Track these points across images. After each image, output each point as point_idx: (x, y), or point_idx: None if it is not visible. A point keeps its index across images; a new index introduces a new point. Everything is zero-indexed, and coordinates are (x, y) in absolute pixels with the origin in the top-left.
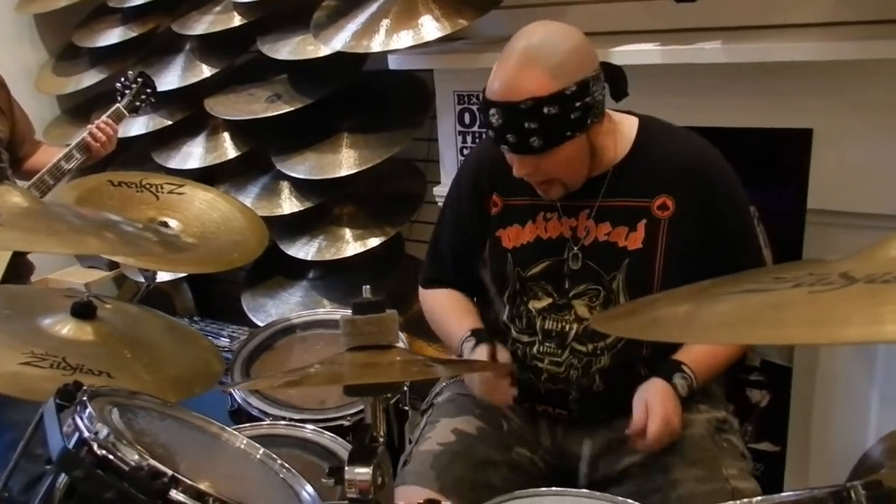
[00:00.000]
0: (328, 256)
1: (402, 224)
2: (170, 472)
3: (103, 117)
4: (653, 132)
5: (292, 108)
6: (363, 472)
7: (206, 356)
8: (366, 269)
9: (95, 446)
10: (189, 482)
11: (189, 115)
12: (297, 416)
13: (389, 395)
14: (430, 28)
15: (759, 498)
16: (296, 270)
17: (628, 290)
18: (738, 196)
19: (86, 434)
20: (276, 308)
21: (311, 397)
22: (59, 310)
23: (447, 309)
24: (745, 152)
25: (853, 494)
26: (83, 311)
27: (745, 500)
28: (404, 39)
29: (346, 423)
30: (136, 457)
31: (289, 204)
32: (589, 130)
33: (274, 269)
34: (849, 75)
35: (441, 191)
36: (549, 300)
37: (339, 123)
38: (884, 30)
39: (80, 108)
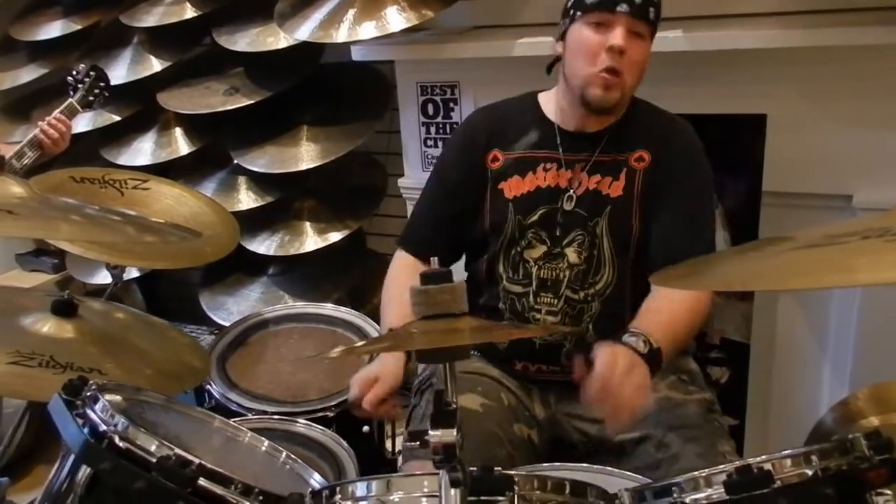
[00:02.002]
0: (291, 251)
1: (364, 218)
2: (197, 460)
3: (55, 113)
4: (643, 104)
5: (251, 102)
6: (448, 434)
7: (187, 351)
8: (327, 263)
9: (117, 438)
10: (215, 468)
11: (139, 110)
12: (274, 410)
13: None
14: (396, 19)
15: (765, 456)
16: (255, 266)
17: (610, 235)
18: (705, 169)
19: (103, 427)
20: (237, 306)
21: (290, 391)
22: (36, 309)
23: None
24: (703, 138)
25: (856, 445)
26: (64, 308)
27: (751, 457)
28: (370, 30)
29: (330, 413)
30: (156, 446)
31: (247, 199)
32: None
33: (232, 266)
34: (801, 62)
35: (405, 183)
36: (544, 248)
37: (299, 116)
38: (833, 18)
39: (18, 104)
